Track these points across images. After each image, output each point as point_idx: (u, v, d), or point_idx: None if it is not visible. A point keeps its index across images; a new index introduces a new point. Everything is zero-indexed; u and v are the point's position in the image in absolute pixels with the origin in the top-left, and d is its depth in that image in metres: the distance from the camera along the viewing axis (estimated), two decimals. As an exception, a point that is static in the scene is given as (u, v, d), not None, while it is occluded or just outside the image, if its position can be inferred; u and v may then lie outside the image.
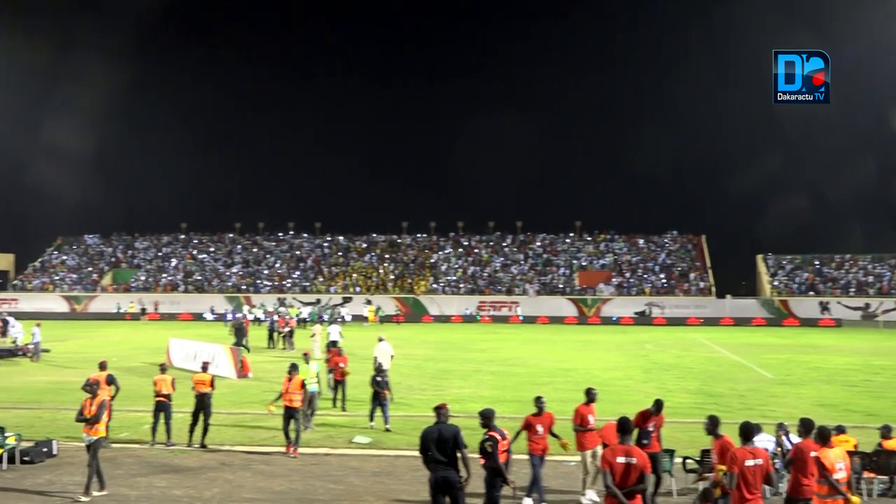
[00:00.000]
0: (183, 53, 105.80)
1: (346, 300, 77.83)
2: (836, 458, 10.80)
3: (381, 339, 27.02)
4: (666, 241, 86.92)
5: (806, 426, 11.46)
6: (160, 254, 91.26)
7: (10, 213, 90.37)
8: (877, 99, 69.62)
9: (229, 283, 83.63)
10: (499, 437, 12.51)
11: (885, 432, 15.13)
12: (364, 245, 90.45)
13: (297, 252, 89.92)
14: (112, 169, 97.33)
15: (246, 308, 69.72)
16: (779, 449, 14.11)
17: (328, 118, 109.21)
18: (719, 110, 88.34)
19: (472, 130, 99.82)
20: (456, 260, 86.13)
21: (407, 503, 14.46)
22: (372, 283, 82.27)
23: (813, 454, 10.84)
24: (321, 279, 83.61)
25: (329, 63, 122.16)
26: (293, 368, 18.66)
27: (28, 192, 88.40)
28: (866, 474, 14.70)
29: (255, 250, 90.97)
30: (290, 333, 44.99)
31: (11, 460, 17.01)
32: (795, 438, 12.22)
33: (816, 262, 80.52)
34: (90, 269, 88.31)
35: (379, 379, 21.17)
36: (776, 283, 77.97)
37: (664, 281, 79.16)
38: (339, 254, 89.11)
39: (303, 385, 18.50)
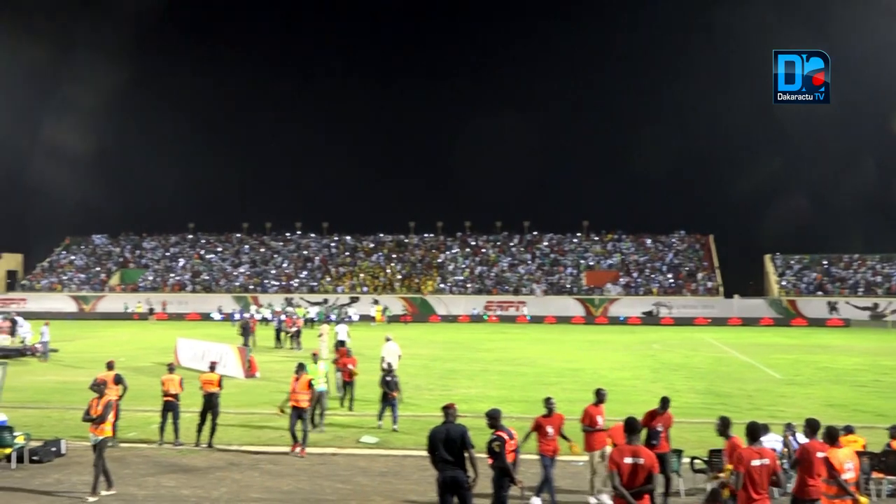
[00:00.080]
0: (190, 53, 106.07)
1: (354, 300, 77.87)
2: (845, 459, 10.77)
3: (388, 339, 27.01)
4: (673, 240, 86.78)
5: (812, 426, 11.43)
6: (168, 254, 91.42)
7: (18, 213, 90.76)
8: (882, 98, 69.43)
9: (237, 283, 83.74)
10: (506, 437, 12.51)
11: (894, 432, 15.09)
12: (371, 245, 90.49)
13: (305, 252, 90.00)
14: (120, 169, 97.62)
15: (253, 308, 69.79)
16: (785, 449, 14.09)
17: (335, 118, 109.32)
18: (727, 110, 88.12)
19: (479, 130, 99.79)
20: (463, 260, 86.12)
21: (415, 503, 14.46)
22: (379, 283, 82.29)
23: (820, 454, 10.81)
24: (328, 279, 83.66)
25: (336, 63, 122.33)
26: (300, 368, 18.66)
27: (36, 192, 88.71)
28: (875, 475, 14.66)
29: (262, 250, 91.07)
30: (298, 333, 45.01)
31: (20, 459, 17.07)
32: (803, 438, 12.18)
33: (824, 262, 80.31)
34: (98, 268, 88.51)
35: (388, 379, 21.17)
36: (784, 283, 77.79)
37: (672, 281, 79.03)
38: (347, 254, 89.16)
39: (310, 385, 18.51)
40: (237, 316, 63.67)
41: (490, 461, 12.45)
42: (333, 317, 64.33)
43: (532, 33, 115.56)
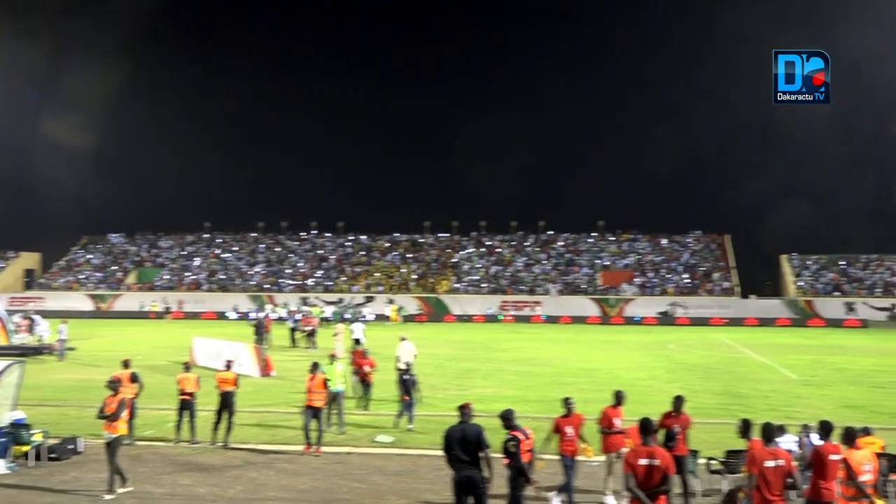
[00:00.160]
0: (204, 53, 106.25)
1: (369, 299, 77.94)
2: (863, 460, 10.71)
3: (403, 339, 27.02)
4: (689, 240, 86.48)
5: (825, 429, 11.37)
6: (184, 253, 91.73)
7: (36, 212, 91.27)
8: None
9: (252, 283, 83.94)
10: (522, 437, 12.49)
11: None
12: (386, 244, 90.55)
13: (320, 251, 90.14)
14: (136, 168, 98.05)
15: (269, 307, 69.94)
16: (800, 451, 14.01)
17: (351, 118, 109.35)
18: (743, 109, 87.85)
19: (495, 130, 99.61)
20: (478, 259, 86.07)
21: (430, 502, 14.47)
22: (394, 283, 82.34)
23: (833, 457, 10.75)
24: (344, 278, 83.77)
25: (353, 62, 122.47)
26: (315, 367, 18.68)
27: (53, 192, 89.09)
28: (893, 477, 14.56)
29: (277, 249, 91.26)
30: (313, 332, 45.08)
31: (38, 457, 17.18)
32: (818, 440, 12.10)
33: (842, 263, 79.88)
34: (115, 267, 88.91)
35: (406, 378, 21.18)
36: (801, 283, 77.41)
37: (688, 281, 78.79)
38: (362, 253, 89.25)
39: (325, 384, 18.54)
40: (252, 315, 63.79)
41: (506, 461, 12.44)
42: (348, 316, 64.42)
43: (544, 32, 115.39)
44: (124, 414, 15.34)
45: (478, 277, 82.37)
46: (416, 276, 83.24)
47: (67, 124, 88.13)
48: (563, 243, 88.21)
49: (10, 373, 17.79)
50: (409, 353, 25.81)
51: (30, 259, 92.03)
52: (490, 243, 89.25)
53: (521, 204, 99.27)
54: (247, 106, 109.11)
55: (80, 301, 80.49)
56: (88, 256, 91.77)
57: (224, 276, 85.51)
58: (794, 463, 10.71)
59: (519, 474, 12.31)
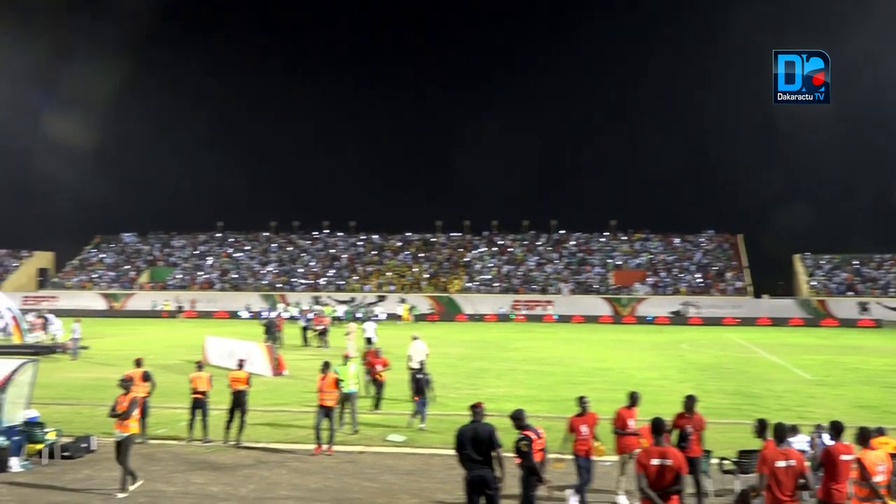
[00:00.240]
0: (220, 55, 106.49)
1: (381, 299, 77.99)
2: (877, 461, 10.65)
3: (415, 338, 27.01)
4: (702, 240, 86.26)
5: (836, 429, 11.31)
6: (196, 252, 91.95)
7: (49, 212, 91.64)
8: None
9: (265, 282, 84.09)
10: (534, 437, 12.48)
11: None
12: (398, 244, 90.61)
13: (332, 251, 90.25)
14: (148, 168, 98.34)
15: (281, 306, 70.04)
16: (812, 451, 13.95)
17: (362, 118, 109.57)
18: (755, 108, 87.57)
19: (507, 129, 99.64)
20: (490, 259, 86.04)
21: (442, 502, 14.46)
22: (406, 282, 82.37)
23: (844, 457, 10.69)
24: (356, 278, 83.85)
25: (365, 62, 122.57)
26: (326, 367, 18.66)
27: (67, 191, 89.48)
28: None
29: (290, 249, 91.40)
30: (325, 331, 45.12)
31: (52, 455, 17.24)
32: (829, 441, 12.04)
33: (855, 262, 79.53)
34: (128, 267, 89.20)
35: (419, 377, 21.18)
36: (814, 282, 77.12)
37: (700, 280, 78.59)
38: (374, 252, 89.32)
39: (336, 384, 18.52)
40: (264, 314, 63.91)
41: (518, 461, 12.43)
42: (360, 315, 64.47)
43: (552, 32, 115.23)
44: (136, 413, 15.37)
45: (490, 277, 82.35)
46: (427, 276, 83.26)
47: (80, 125, 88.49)
48: (575, 243, 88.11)
49: (24, 371, 17.87)
50: (420, 353, 25.79)
51: (43, 258, 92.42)
52: (502, 243, 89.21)
53: (533, 203, 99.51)
54: (259, 106, 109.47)
55: (93, 300, 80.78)
56: (101, 256, 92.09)
57: (236, 276, 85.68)
58: (807, 463, 10.66)
59: (531, 474, 12.30)
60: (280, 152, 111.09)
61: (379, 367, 23.85)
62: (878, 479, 10.50)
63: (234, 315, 75.02)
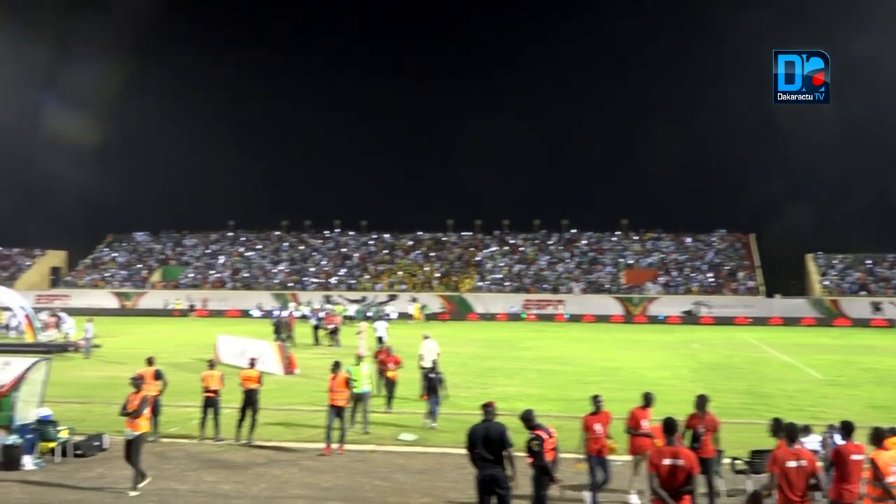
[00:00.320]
0: (229, 55, 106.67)
1: (392, 298, 77.99)
2: (891, 461, 10.59)
3: (426, 337, 27.00)
4: (714, 239, 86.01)
5: (847, 429, 11.27)
6: (208, 251, 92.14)
7: (62, 211, 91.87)
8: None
9: (276, 281, 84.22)
10: (545, 436, 12.47)
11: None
12: (409, 243, 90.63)
13: (344, 250, 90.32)
14: (160, 167, 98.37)
15: (292, 305, 70.12)
16: (823, 451, 13.90)
17: (373, 117, 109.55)
18: (769, 108, 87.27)
19: (517, 128, 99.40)
20: (501, 258, 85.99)
21: (453, 501, 14.46)
22: (417, 281, 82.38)
23: (855, 457, 10.65)
24: (367, 277, 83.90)
25: (376, 60, 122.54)
26: (336, 367, 18.65)
27: (79, 190, 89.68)
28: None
29: (301, 248, 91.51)
30: (336, 330, 45.18)
31: (64, 453, 17.32)
32: (840, 441, 11.99)
33: (868, 262, 79.17)
34: (140, 266, 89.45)
35: (432, 376, 21.18)
36: (826, 282, 76.80)
37: (712, 280, 78.38)
38: (385, 251, 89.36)
39: (346, 383, 18.50)
40: (275, 313, 63.94)
41: (529, 460, 12.42)
42: (371, 314, 64.50)
43: (565, 29, 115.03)
44: (146, 411, 15.41)
45: (501, 276, 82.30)
46: (439, 275, 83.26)
47: (91, 124, 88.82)
48: (586, 242, 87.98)
49: (37, 370, 17.94)
50: (432, 352, 25.78)
51: (56, 257, 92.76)
52: (513, 242, 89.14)
53: (545, 202, 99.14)
54: (271, 105, 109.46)
55: (105, 299, 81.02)
56: (114, 255, 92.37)
57: (248, 275, 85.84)
58: (819, 464, 10.62)
59: (543, 473, 12.29)
60: (292, 151, 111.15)
61: (391, 366, 23.84)
62: (892, 479, 10.45)
63: (245, 314, 75.12)
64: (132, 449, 14.92)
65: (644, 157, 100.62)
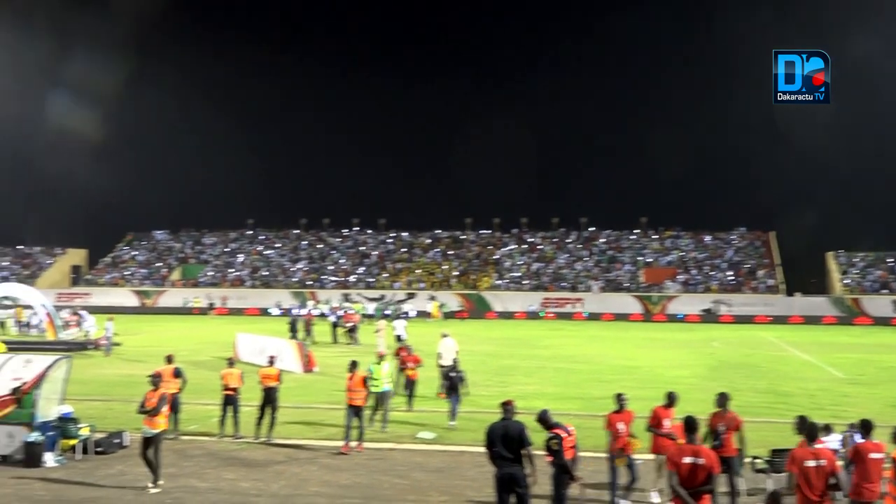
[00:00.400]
0: (246, 54, 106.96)
1: (410, 296, 77.98)
2: (913, 460, 10.54)
3: (445, 335, 27.02)
4: (733, 237, 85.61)
5: (866, 427, 11.20)
6: (227, 249, 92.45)
7: (83, 209, 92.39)
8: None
9: (295, 279, 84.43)
10: (564, 434, 12.45)
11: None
12: (428, 241, 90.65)
13: (362, 248, 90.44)
14: (180, 166, 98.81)
15: (311, 303, 70.23)
16: (843, 450, 13.81)
17: (392, 115, 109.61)
18: (789, 106, 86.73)
19: (535, 126, 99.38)
20: (520, 256, 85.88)
21: (472, 500, 14.46)
22: (435, 280, 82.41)
23: (874, 455, 10.58)
24: (385, 275, 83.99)
25: (392, 59, 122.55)
26: (353, 366, 18.63)
27: (99, 189, 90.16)
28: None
29: (320, 246, 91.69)
30: (354, 329, 45.26)
31: (85, 450, 17.43)
32: (860, 440, 11.91)
33: (889, 260, 78.57)
34: (159, 264, 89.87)
35: (453, 375, 21.18)
36: (847, 280, 76.31)
37: (731, 278, 78.03)
38: (403, 250, 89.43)
39: (364, 382, 18.49)
40: (294, 311, 64.06)
41: (549, 459, 12.40)
42: (389, 312, 64.54)
43: (581, 26, 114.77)
44: (165, 409, 15.48)
45: (519, 274, 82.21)
46: (457, 273, 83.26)
47: (112, 123, 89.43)
48: (605, 240, 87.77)
49: (58, 368, 18.07)
50: (450, 350, 25.78)
51: (76, 255, 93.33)
52: (532, 240, 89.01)
53: (563, 200, 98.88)
54: (289, 104, 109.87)
55: (125, 297, 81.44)
56: (134, 253, 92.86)
57: (267, 273, 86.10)
58: (839, 463, 10.56)
59: (563, 472, 12.27)
60: (310, 150, 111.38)
61: (411, 365, 23.81)
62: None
63: (264, 312, 75.26)
64: (152, 447, 14.98)
65: (663, 155, 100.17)
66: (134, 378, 28.22)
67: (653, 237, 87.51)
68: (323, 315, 58.07)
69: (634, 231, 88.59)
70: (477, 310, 75.42)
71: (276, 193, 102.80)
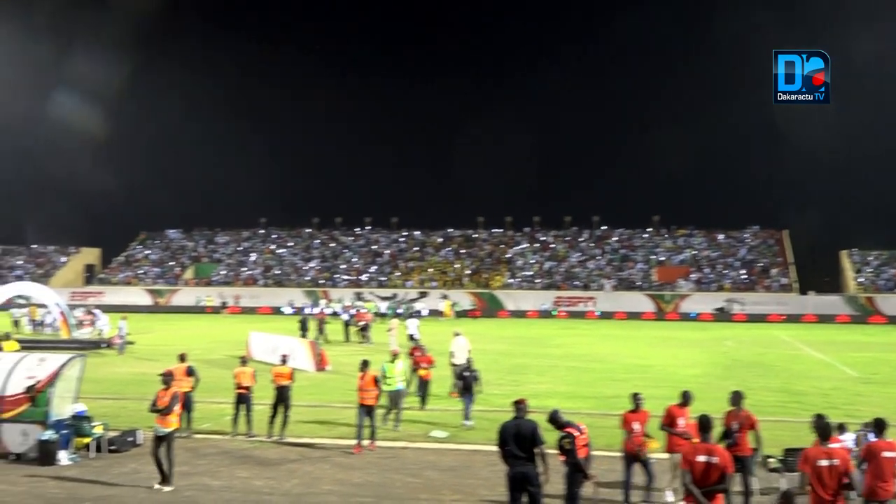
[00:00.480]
0: (258, 53, 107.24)
1: (423, 295, 77.98)
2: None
3: (457, 334, 27.00)
4: (746, 236, 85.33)
5: (879, 426, 11.15)
6: (240, 248, 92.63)
7: (96, 208, 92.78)
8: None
9: (307, 278, 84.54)
10: (576, 433, 12.43)
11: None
12: (440, 240, 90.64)
13: (374, 247, 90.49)
14: (193, 165, 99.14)
15: (323, 302, 70.32)
16: (857, 449, 13.76)
17: (403, 114, 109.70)
18: (802, 105, 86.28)
19: (547, 124, 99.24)
20: (532, 255, 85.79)
21: (484, 499, 14.45)
22: (448, 278, 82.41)
23: (887, 454, 10.53)
24: (398, 274, 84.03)
25: (403, 58, 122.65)
26: (364, 365, 18.61)
27: (112, 188, 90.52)
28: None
29: (332, 245, 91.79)
30: (366, 327, 45.29)
31: (99, 449, 17.50)
32: (874, 438, 11.85)
33: (904, 258, 78.29)
34: (172, 263, 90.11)
35: (467, 374, 21.17)
36: (861, 279, 75.96)
37: (745, 277, 77.78)
38: (416, 249, 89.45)
39: (375, 381, 18.45)
40: (307, 310, 64.13)
41: (562, 458, 12.38)
42: (401, 311, 64.56)
43: (595, 22, 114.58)
44: (177, 408, 15.51)
45: (531, 273, 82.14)
46: (469, 272, 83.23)
47: (124, 122, 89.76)
48: (617, 239, 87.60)
49: (72, 366, 18.14)
50: (463, 349, 25.77)
51: (90, 255, 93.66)
52: (544, 239, 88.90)
53: (575, 199, 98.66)
54: (301, 104, 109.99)
55: (138, 296, 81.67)
56: (147, 252, 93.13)
57: (279, 272, 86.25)
58: (853, 462, 10.51)
59: (576, 470, 12.25)
60: (322, 149, 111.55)
61: (424, 365, 23.76)
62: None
63: (277, 311, 75.34)
64: (163, 445, 15.01)
65: (675, 154, 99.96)
66: (147, 376, 28.29)
67: (665, 236, 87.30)
68: (335, 314, 58.13)
69: (647, 230, 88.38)
70: (489, 309, 75.39)
71: (288, 192, 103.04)
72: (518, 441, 11.62)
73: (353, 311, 49.69)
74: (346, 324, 46.95)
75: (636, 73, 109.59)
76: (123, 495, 14.60)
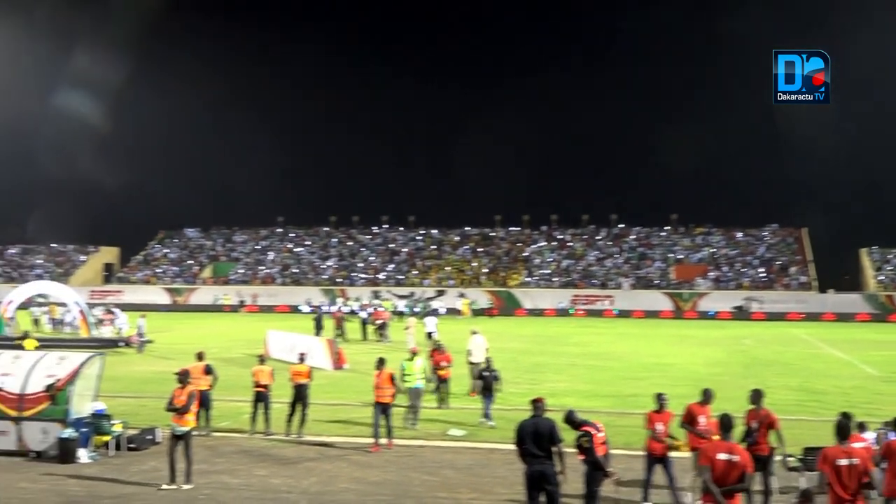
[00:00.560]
0: (275, 52, 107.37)
1: (440, 293, 78.00)
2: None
3: (475, 333, 26.98)
4: (765, 234, 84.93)
5: None
6: (258, 247, 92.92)
7: (115, 208, 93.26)
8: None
9: (325, 276, 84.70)
10: (593, 431, 12.39)
11: None
12: (457, 238, 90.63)
13: (392, 245, 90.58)
14: (211, 165, 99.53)
15: (340, 300, 70.40)
16: (876, 447, 13.66)
17: (421, 113, 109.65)
18: (816, 105, 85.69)
19: (562, 123, 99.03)
20: (549, 253, 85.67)
21: (502, 497, 14.43)
22: (465, 277, 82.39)
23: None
24: (415, 272, 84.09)
25: (420, 57, 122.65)
26: (381, 363, 18.61)
27: (132, 188, 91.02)
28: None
29: (349, 244, 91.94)
30: (384, 325, 45.33)
31: (118, 447, 17.59)
32: (893, 436, 11.77)
33: (924, 256, 77.76)
34: (191, 262, 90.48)
35: (486, 374, 21.15)
36: (881, 277, 75.49)
37: (763, 275, 77.42)
38: (433, 247, 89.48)
39: (391, 379, 18.45)
40: (325, 308, 64.17)
41: (581, 457, 12.35)
42: (418, 309, 64.58)
43: (609, 20, 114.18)
44: (193, 406, 15.54)
45: (549, 271, 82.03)
46: (487, 270, 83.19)
47: (143, 122, 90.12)
48: (635, 237, 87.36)
49: (91, 365, 18.24)
50: (480, 348, 25.74)
51: (109, 253, 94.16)
52: (561, 237, 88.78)
53: (593, 197, 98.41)
54: (319, 103, 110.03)
55: (156, 294, 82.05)
56: (165, 251, 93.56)
57: (297, 270, 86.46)
58: (874, 460, 10.43)
59: (595, 469, 12.21)
60: (340, 148, 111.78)
61: (443, 364, 23.70)
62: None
63: (294, 309, 75.48)
64: (181, 444, 15.04)
65: (694, 152, 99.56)
66: (165, 375, 28.34)
67: (683, 234, 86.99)
68: (353, 312, 58.16)
69: (665, 228, 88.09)
70: (507, 307, 75.34)
71: (305, 191, 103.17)
72: (536, 440, 11.60)
73: (370, 310, 49.73)
74: (364, 322, 47.00)
75: (656, 71, 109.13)
76: (143, 493, 14.66)
